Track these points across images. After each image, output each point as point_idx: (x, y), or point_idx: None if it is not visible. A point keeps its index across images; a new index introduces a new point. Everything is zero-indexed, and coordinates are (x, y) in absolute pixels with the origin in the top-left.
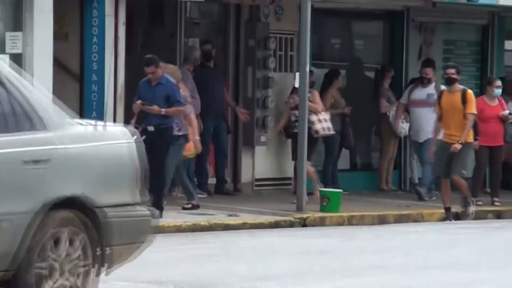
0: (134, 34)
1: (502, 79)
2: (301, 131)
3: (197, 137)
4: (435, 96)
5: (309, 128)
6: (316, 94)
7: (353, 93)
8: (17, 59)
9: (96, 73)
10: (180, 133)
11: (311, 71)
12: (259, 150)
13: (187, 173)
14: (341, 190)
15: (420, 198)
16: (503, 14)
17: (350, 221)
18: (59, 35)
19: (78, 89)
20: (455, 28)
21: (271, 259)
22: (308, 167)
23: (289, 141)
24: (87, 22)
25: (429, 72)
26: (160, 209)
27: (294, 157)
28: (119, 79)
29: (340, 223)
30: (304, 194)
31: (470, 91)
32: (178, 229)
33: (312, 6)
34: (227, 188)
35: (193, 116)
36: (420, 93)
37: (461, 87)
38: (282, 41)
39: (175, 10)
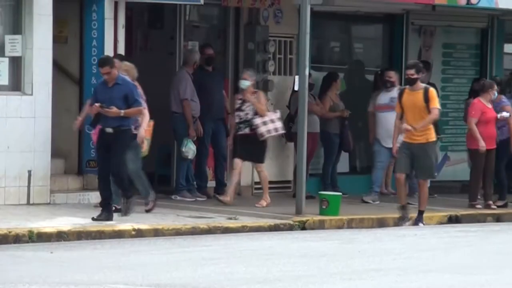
0: (133, 37)
1: (491, 79)
2: (300, 132)
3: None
4: None
5: (254, 131)
6: (262, 95)
7: (353, 96)
8: (17, 62)
9: (96, 76)
10: (136, 132)
11: (310, 74)
12: None
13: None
14: (340, 193)
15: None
16: (502, 17)
17: (350, 224)
18: (58, 38)
19: (78, 92)
20: (455, 32)
21: (271, 262)
22: (264, 172)
23: (290, 144)
24: (86, 25)
25: (392, 75)
26: (129, 205)
27: (235, 156)
28: None
29: (339, 226)
30: (303, 197)
31: (432, 89)
32: (178, 232)
33: (311, 9)
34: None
35: (146, 112)
36: (384, 98)
37: (423, 85)
38: (281, 44)
39: (175, 13)
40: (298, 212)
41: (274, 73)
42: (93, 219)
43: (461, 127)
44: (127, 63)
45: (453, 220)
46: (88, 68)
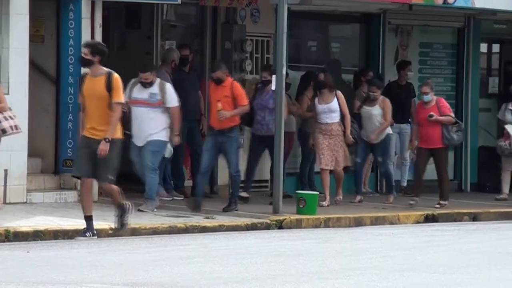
0: (110, 37)
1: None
2: (277, 132)
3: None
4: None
5: None
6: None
7: None
8: None
9: (73, 75)
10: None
11: (286, 73)
12: None
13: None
14: (317, 193)
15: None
16: (478, 17)
17: (327, 223)
18: (35, 38)
19: (55, 92)
20: (431, 31)
21: (248, 261)
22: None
23: None
24: (63, 24)
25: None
26: None
27: None
28: None
29: (316, 225)
30: (280, 196)
31: (116, 76)
32: (155, 231)
33: (288, 9)
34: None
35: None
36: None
37: (106, 70)
38: (258, 44)
39: (152, 12)
40: (275, 211)
41: (251, 73)
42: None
43: None
44: None
45: (430, 219)
46: (65, 67)
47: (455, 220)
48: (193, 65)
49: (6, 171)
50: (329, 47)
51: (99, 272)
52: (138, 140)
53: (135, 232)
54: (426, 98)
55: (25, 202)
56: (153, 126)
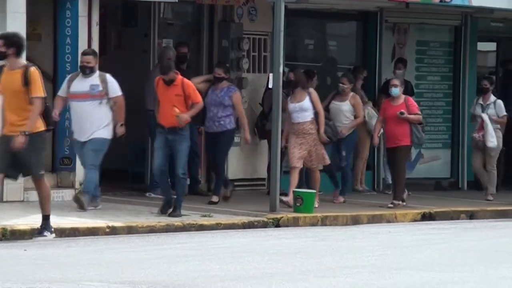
0: (107, 35)
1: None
2: (274, 130)
3: None
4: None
5: None
6: None
7: (327, 93)
8: None
9: (70, 73)
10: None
11: (285, 72)
12: (233, 151)
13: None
14: (314, 191)
15: (82, 207)
16: (475, 15)
17: (324, 222)
18: (32, 36)
19: (52, 90)
20: (428, 29)
21: (245, 260)
22: None
23: (263, 142)
24: (60, 23)
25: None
26: None
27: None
28: None
29: (313, 223)
30: (277, 194)
31: (34, 69)
32: (152, 230)
33: (285, 7)
34: (200, 189)
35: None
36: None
37: (23, 63)
38: (255, 42)
39: (149, 10)
40: (272, 209)
41: (248, 71)
42: None
43: (434, 124)
44: None
45: (427, 217)
46: (62, 65)
47: (452, 218)
48: (190, 62)
49: None
50: (326, 45)
51: (96, 270)
52: (81, 135)
53: (132, 230)
54: (395, 91)
55: (22, 201)
56: (96, 122)
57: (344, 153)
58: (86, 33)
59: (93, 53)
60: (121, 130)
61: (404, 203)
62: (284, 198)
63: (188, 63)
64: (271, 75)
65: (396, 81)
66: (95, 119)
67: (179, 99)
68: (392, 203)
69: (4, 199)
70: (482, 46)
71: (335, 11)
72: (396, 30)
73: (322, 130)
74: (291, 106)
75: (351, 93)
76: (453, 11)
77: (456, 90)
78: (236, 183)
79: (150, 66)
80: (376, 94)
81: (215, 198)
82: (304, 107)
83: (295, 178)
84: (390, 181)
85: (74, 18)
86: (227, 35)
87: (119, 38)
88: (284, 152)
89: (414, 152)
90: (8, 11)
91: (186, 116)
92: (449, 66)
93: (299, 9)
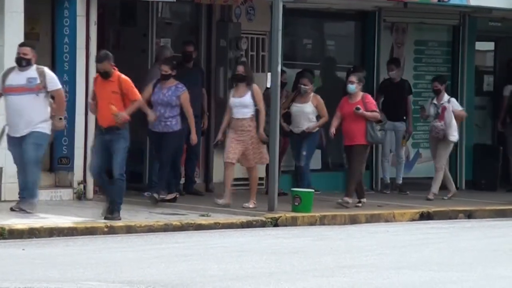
0: (105, 34)
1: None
2: (273, 131)
3: None
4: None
5: None
6: None
7: (325, 93)
8: None
9: (68, 73)
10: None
11: (283, 71)
12: None
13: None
14: (313, 190)
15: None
16: (474, 14)
17: (322, 221)
18: (30, 36)
19: None
20: (426, 29)
21: (243, 259)
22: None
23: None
24: (58, 22)
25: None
26: None
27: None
28: (91, 79)
29: (311, 223)
30: (275, 194)
31: None
32: (150, 229)
33: (284, 7)
34: (196, 188)
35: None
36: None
37: None
38: (253, 42)
39: (147, 10)
40: (271, 209)
41: None
42: None
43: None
44: None
45: (425, 216)
46: (59, 65)
47: (450, 218)
48: (197, 62)
49: (1, 169)
50: (324, 45)
51: (94, 270)
52: (15, 131)
53: (131, 230)
54: (351, 88)
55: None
56: (34, 116)
57: (304, 153)
58: (84, 33)
59: (31, 45)
60: (60, 124)
61: (360, 205)
62: (219, 201)
63: (195, 62)
64: (269, 74)
65: (353, 78)
66: (33, 113)
67: (115, 97)
68: (341, 199)
69: (2, 199)
70: (480, 45)
71: (333, 10)
72: (394, 30)
73: (261, 128)
74: (232, 100)
75: (312, 94)
76: (451, 11)
77: (454, 89)
78: (234, 183)
79: (148, 65)
80: (375, 93)
81: (170, 196)
82: (244, 103)
83: (229, 173)
84: (388, 181)
85: (72, 17)
86: (225, 34)
87: (117, 37)
88: (220, 146)
89: (412, 152)
90: (6, 10)
91: (124, 114)
92: (447, 65)
93: (297, 8)
